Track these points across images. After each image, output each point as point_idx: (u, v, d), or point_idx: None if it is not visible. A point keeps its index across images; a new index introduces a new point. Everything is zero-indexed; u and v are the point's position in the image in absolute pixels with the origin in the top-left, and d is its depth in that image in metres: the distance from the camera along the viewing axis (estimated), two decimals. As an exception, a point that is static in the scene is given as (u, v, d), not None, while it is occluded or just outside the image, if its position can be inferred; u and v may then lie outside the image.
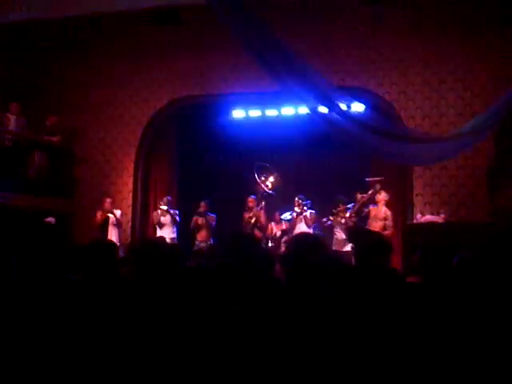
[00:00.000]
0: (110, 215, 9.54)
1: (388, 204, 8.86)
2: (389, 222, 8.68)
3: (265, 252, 3.11)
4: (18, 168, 9.72)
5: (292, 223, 9.20)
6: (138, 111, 10.76)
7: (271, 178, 9.38)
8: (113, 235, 9.39)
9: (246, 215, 9.33)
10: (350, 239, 3.30)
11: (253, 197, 9.35)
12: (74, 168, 10.67)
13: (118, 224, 9.61)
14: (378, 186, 8.80)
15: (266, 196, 9.35)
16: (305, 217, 9.09)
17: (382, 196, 8.75)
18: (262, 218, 9.24)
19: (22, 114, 9.88)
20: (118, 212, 9.73)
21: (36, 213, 9.19)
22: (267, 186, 9.33)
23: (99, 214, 9.53)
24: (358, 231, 3.76)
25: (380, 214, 8.71)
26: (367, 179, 8.97)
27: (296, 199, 9.17)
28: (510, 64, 8.72)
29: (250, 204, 9.31)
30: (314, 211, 9.19)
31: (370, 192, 8.80)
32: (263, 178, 9.35)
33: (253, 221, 9.18)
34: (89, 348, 2.30)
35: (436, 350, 2.27)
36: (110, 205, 9.70)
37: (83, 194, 10.55)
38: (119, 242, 9.24)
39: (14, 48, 10.54)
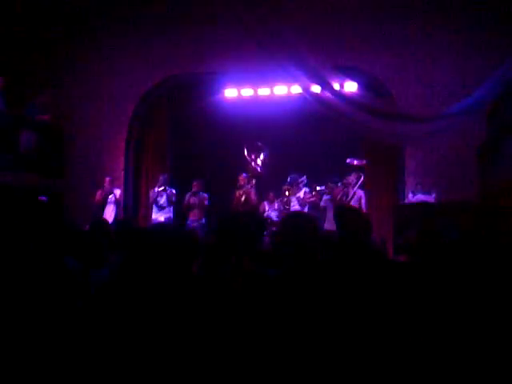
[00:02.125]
0: (110, 195, 9.51)
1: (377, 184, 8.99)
2: (363, 202, 8.83)
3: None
4: (8, 145, 9.63)
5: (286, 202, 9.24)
6: (129, 89, 10.66)
7: (262, 156, 9.37)
8: (110, 214, 9.38)
9: (237, 193, 9.34)
10: (336, 217, 3.30)
11: (244, 175, 9.34)
12: (64, 147, 10.58)
13: (117, 203, 9.57)
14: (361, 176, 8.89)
15: (256, 174, 9.35)
16: (298, 197, 9.14)
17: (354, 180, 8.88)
18: (252, 196, 9.25)
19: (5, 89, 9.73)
20: (117, 191, 9.69)
21: (27, 191, 9.14)
22: (258, 164, 9.32)
23: (99, 194, 9.51)
24: (346, 209, 3.76)
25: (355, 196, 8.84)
26: (349, 161, 9.00)
27: (287, 181, 9.19)
28: (504, 43, 8.70)
29: (241, 182, 9.31)
30: (308, 189, 9.21)
31: (355, 178, 8.86)
32: (253, 157, 9.33)
33: (243, 198, 9.19)
34: (86, 342, 2.28)
35: (423, 330, 2.29)
36: (110, 184, 9.66)
37: (74, 173, 10.48)
38: (115, 220, 9.23)
39: (2, 22, 10.38)
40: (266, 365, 2.12)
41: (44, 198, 9.33)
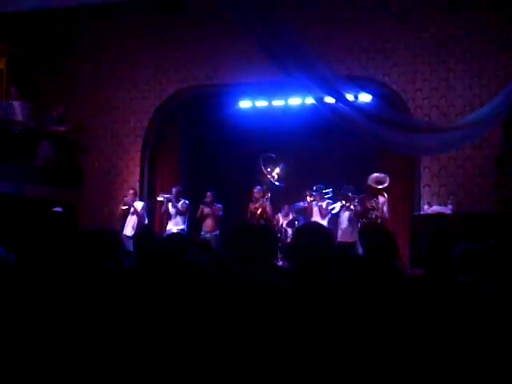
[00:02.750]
0: (131, 207, 9.56)
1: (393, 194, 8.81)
2: (386, 207, 8.59)
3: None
4: (25, 158, 9.73)
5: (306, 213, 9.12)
6: (145, 101, 10.75)
7: (277, 169, 9.34)
8: (129, 225, 9.43)
9: (252, 206, 9.29)
10: (362, 237, 3.25)
11: (258, 188, 9.30)
12: (81, 158, 10.67)
13: (137, 215, 9.55)
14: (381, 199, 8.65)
15: (272, 187, 9.31)
16: (320, 206, 9.00)
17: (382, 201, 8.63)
18: (268, 209, 9.20)
19: (23, 98, 9.85)
20: (139, 204, 9.71)
21: (43, 203, 9.20)
22: (273, 177, 9.29)
23: (120, 207, 9.59)
24: (373, 230, 3.69)
25: (380, 203, 8.61)
26: (370, 183, 8.73)
27: (314, 189, 9.05)
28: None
29: (256, 195, 9.26)
30: (331, 201, 9.07)
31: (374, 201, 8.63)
32: (269, 169, 9.31)
33: (259, 212, 9.14)
34: (88, 341, 2.28)
35: (439, 345, 2.25)
36: (132, 196, 9.69)
37: (90, 184, 10.56)
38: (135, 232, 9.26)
39: (21, 36, 10.54)
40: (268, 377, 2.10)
41: (60, 209, 9.39)
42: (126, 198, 9.69)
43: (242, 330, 2.22)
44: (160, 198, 9.65)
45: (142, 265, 2.67)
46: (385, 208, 8.53)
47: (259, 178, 9.38)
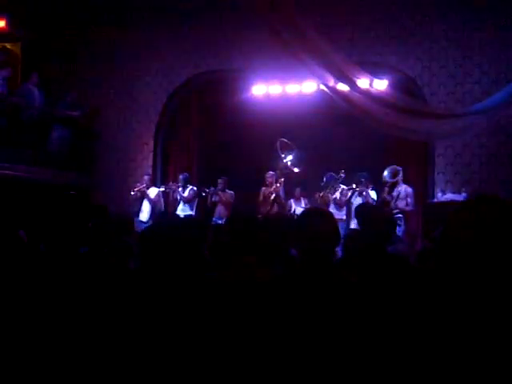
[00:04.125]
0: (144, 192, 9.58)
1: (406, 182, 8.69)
2: (410, 200, 8.46)
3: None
4: (39, 142, 9.79)
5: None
6: (158, 87, 10.73)
7: (292, 155, 9.31)
8: (145, 211, 9.46)
9: (266, 191, 9.28)
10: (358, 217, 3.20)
11: (271, 173, 9.29)
12: (94, 143, 10.70)
13: (150, 201, 9.57)
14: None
15: (287, 173, 9.28)
16: (334, 199, 8.94)
17: (399, 177, 8.47)
18: (281, 194, 9.21)
19: (40, 84, 9.91)
20: (155, 190, 9.72)
21: (56, 187, 9.27)
22: (288, 162, 9.27)
23: (134, 191, 9.60)
24: (368, 209, 3.64)
25: (402, 194, 8.48)
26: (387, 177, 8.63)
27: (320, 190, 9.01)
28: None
29: (269, 180, 9.26)
30: (346, 187, 8.95)
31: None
32: (284, 155, 9.28)
33: (272, 197, 9.14)
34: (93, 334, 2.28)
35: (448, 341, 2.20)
36: (147, 182, 9.69)
37: (102, 169, 10.59)
38: (149, 218, 9.30)
39: (36, 21, 10.55)
40: (267, 369, 2.09)
41: (73, 193, 9.45)
42: (139, 184, 9.71)
43: (249, 322, 2.21)
44: (162, 189, 9.68)
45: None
46: (409, 200, 8.35)
47: (272, 164, 9.35)
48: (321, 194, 8.97)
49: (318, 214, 2.56)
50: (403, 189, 8.41)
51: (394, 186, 8.45)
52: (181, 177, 9.71)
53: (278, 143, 9.26)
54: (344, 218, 8.86)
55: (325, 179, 9.06)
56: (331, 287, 2.25)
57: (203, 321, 2.25)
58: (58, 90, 10.29)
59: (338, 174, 9.07)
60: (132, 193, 9.60)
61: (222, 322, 2.25)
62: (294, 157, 9.25)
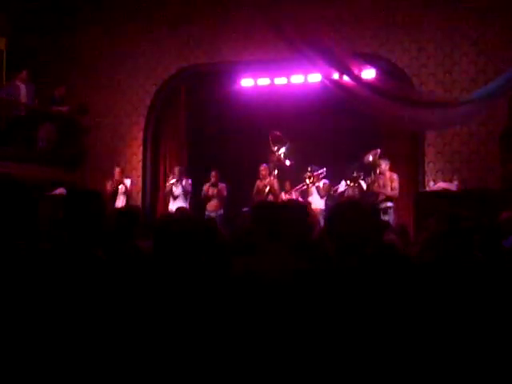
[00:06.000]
0: (120, 185, 9.53)
1: (392, 169, 8.84)
2: (395, 184, 8.66)
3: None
4: (28, 138, 9.67)
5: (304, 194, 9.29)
6: (147, 80, 10.65)
7: (284, 148, 9.36)
8: (121, 204, 9.40)
9: (260, 184, 9.32)
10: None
11: (265, 165, 9.33)
12: (83, 138, 10.60)
13: (128, 193, 9.59)
14: (370, 157, 8.78)
15: (279, 165, 9.34)
16: (317, 187, 9.14)
17: (384, 166, 8.70)
18: (276, 187, 9.25)
19: (30, 81, 9.77)
20: (127, 181, 9.72)
21: (45, 183, 9.16)
22: (281, 155, 9.32)
23: (109, 184, 9.53)
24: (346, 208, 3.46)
25: (387, 181, 8.67)
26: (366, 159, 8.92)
27: (308, 170, 9.16)
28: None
29: (263, 172, 9.30)
30: (327, 181, 9.21)
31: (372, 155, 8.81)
32: (276, 148, 9.32)
33: (267, 189, 9.19)
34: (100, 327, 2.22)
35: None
36: (120, 174, 9.68)
37: (92, 165, 10.50)
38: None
39: (21, 15, 10.42)
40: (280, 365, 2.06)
41: (63, 190, 9.34)
42: (115, 176, 9.67)
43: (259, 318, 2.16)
44: (172, 181, 9.58)
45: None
46: (394, 184, 8.64)
47: (263, 156, 9.37)
48: (310, 179, 9.14)
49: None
50: (388, 175, 8.71)
51: (375, 167, 8.76)
52: (177, 169, 9.70)
53: (269, 136, 9.30)
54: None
55: (309, 169, 9.19)
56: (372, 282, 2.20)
57: (227, 311, 2.18)
58: (46, 86, 10.14)
59: (321, 168, 9.27)
60: (109, 187, 9.52)
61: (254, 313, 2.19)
62: (286, 149, 9.30)
